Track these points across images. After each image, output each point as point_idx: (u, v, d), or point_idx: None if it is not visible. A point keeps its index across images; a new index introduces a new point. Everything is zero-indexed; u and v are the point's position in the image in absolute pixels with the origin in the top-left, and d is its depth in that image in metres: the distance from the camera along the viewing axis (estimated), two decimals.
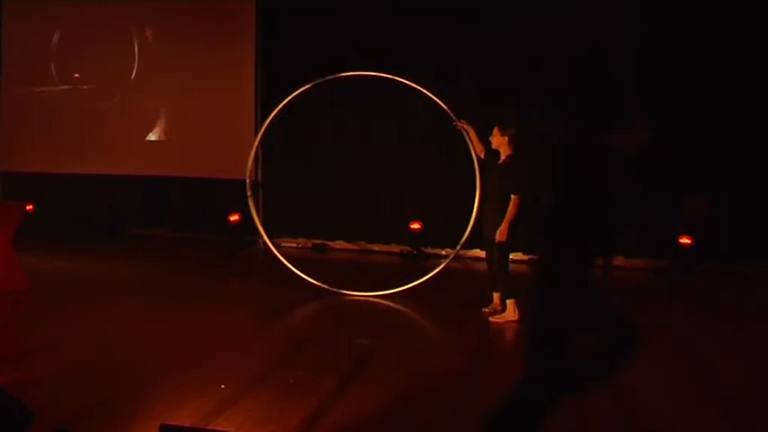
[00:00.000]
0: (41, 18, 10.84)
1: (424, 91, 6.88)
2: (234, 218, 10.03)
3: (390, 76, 6.97)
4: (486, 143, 6.28)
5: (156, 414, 3.79)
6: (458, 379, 4.69)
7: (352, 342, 5.31)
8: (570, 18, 8.47)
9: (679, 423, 3.98)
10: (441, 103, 6.76)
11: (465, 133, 6.49)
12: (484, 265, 6.56)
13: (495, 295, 6.25)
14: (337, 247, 9.87)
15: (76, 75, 10.81)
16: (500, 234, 5.88)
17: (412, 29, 9.10)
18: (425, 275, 6.90)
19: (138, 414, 3.87)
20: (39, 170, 10.81)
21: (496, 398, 4.28)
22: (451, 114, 6.63)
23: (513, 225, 5.87)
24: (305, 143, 9.71)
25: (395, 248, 9.61)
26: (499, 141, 6.07)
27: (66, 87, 10.89)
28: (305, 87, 7.12)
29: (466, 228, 6.76)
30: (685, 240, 8.41)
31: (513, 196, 5.84)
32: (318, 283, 7.01)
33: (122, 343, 5.40)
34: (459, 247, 6.91)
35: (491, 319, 6.10)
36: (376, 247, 9.71)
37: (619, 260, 8.76)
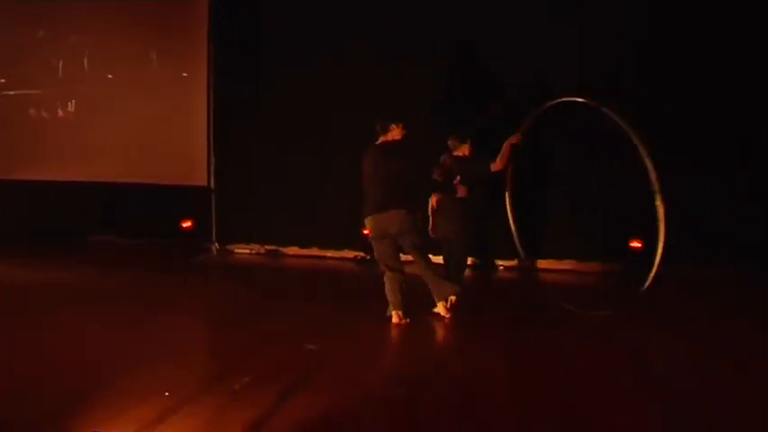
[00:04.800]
0: None
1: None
2: (187, 224, 9.91)
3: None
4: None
5: (96, 422, 3.70)
6: (408, 384, 4.67)
7: (301, 348, 5.27)
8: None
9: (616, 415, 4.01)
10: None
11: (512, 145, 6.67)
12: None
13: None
14: (291, 252, 9.79)
15: (24, 80, 10.58)
16: None
17: (364, 25, 9.09)
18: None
19: (76, 424, 3.76)
20: None
21: (450, 405, 4.31)
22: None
23: None
24: (258, 146, 9.62)
25: (348, 254, 9.57)
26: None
27: (13, 93, 10.65)
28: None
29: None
30: (636, 244, 8.49)
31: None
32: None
33: (69, 352, 5.26)
34: None
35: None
36: (329, 253, 9.66)
37: (570, 264, 8.85)
